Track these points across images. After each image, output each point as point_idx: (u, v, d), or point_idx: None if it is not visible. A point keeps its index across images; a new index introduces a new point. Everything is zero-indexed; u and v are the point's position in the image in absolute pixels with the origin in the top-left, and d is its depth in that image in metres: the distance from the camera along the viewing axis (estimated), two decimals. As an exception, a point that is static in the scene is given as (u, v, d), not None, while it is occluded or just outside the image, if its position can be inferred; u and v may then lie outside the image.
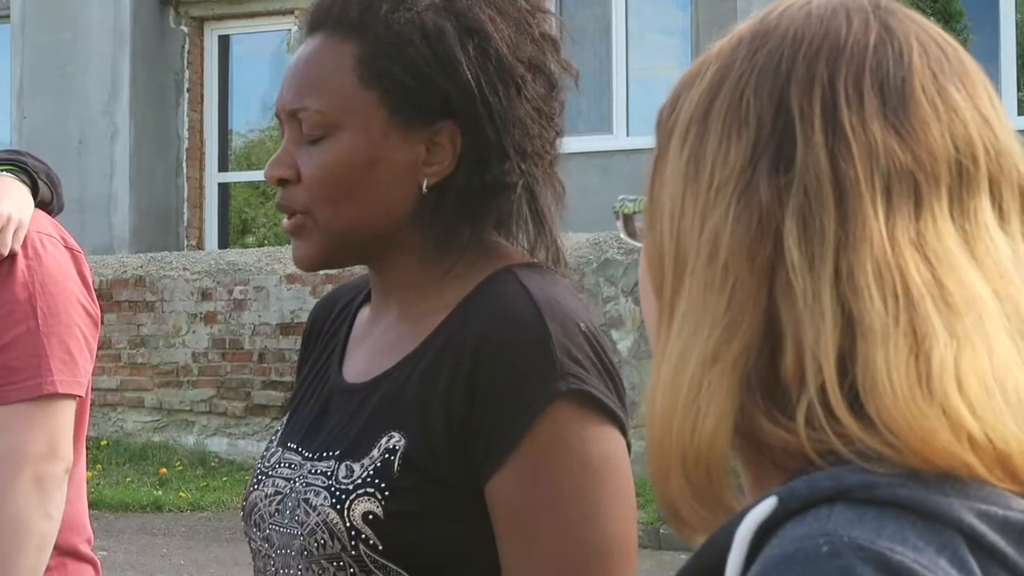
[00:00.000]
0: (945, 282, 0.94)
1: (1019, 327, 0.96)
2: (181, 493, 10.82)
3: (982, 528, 0.89)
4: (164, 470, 11.51)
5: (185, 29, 14.40)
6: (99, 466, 11.59)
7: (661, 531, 9.08)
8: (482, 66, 1.64)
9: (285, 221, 1.72)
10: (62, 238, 2.67)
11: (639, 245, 1.13)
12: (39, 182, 2.67)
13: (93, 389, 11.62)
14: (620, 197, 1.21)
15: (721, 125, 1.01)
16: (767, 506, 0.91)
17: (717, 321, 0.97)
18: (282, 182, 1.69)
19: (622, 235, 1.21)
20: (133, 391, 12.29)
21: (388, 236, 1.68)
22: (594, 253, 10.76)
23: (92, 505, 10.04)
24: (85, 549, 2.72)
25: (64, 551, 2.63)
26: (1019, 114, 11.85)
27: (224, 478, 11.27)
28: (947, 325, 0.93)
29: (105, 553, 8.82)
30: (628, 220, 1.20)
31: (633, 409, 11.05)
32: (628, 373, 10.64)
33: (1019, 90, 12.32)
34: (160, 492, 10.89)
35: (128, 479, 11.33)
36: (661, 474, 1.00)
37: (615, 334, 10.66)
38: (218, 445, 11.93)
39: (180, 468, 11.59)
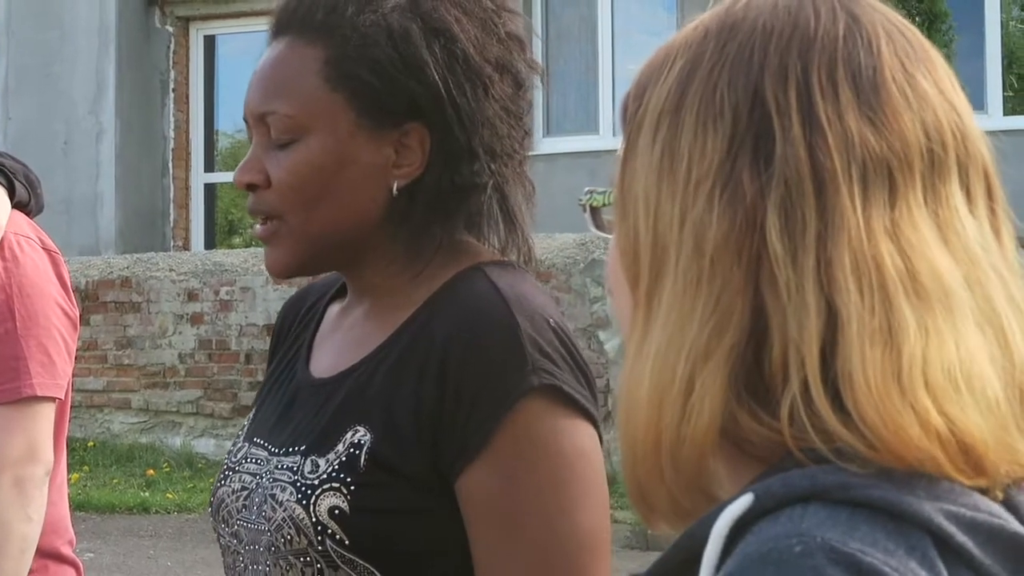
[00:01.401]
0: (918, 272, 0.95)
1: (987, 315, 0.97)
2: (168, 494, 10.80)
3: (951, 529, 0.90)
4: (151, 471, 11.49)
5: (171, 29, 14.38)
6: (86, 468, 11.57)
7: (649, 532, 9.08)
8: (449, 67, 1.64)
9: (257, 227, 1.71)
10: (40, 239, 2.66)
11: (608, 236, 1.13)
12: (16, 183, 2.66)
13: (79, 391, 11.53)
14: (586, 190, 1.21)
15: (695, 118, 1.01)
16: (743, 503, 0.92)
17: (707, 316, 0.97)
18: (251, 187, 1.69)
19: (590, 228, 1.21)
20: (119, 392, 12.27)
21: (359, 239, 1.68)
22: (581, 254, 10.76)
23: (79, 507, 9.99)
24: (67, 551, 2.72)
25: (46, 553, 2.63)
26: (1004, 114, 11.86)
27: (211, 479, 11.24)
28: (918, 317, 0.94)
29: (92, 555, 8.80)
30: (596, 212, 1.20)
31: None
32: (615, 373, 10.62)
33: (1004, 90, 12.34)
34: (147, 493, 10.87)
35: (115, 480, 11.31)
36: (647, 467, 1.00)
37: (602, 335, 10.66)
38: (205, 446, 11.91)
39: (167, 469, 11.58)
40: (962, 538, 0.90)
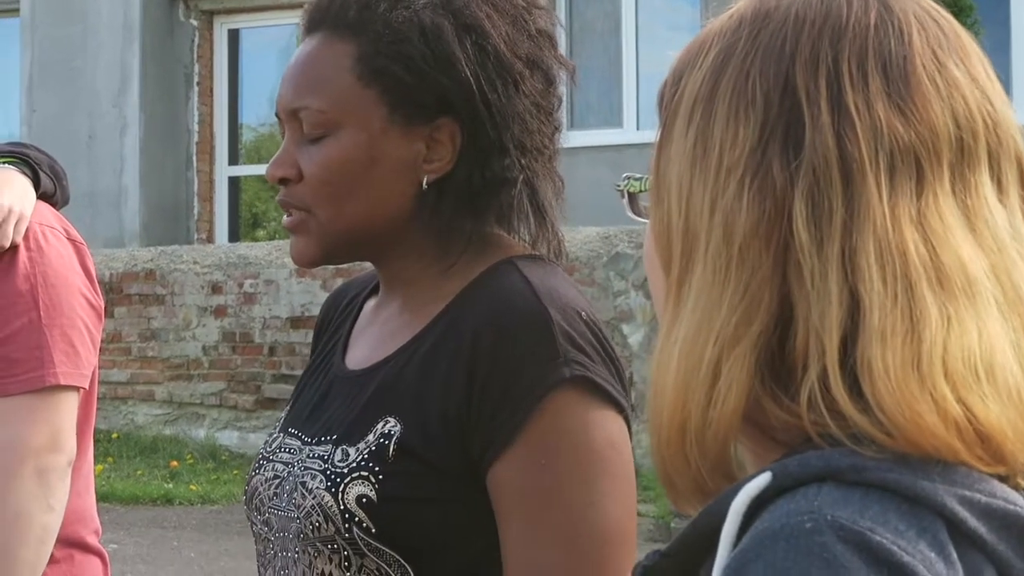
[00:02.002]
0: (943, 260, 0.96)
1: (1013, 304, 0.98)
2: (192, 486, 10.82)
3: (963, 514, 0.91)
4: (175, 463, 11.51)
5: (195, 23, 14.40)
6: (110, 459, 11.60)
7: (672, 525, 9.07)
8: (480, 63, 1.66)
9: (285, 218, 1.73)
10: (64, 230, 2.67)
11: (645, 221, 1.14)
12: (41, 174, 2.66)
13: (103, 382, 11.52)
14: (624, 176, 1.22)
15: (727, 106, 1.02)
16: (761, 481, 0.94)
17: (736, 303, 0.98)
18: (283, 181, 1.71)
19: (628, 213, 1.22)
20: (143, 384, 12.29)
21: (389, 233, 1.69)
22: (604, 247, 10.75)
23: (103, 498, 10.03)
24: (92, 541, 2.72)
25: (71, 543, 2.64)
26: (1030, 107, 11.83)
27: (235, 471, 11.27)
28: (940, 305, 0.95)
29: (116, 546, 8.83)
30: (633, 198, 1.21)
31: (645, 403, 11.01)
32: (639, 367, 10.61)
33: (1030, 83, 12.29)
34: (171, 485, 10.89)
35: (139, 472, 11.34)
36: (673, 450, 1.01)
37: (625, 328, 10.65)
38: (228, 438, 11.93)
39: (191, 461, 11.60)
40: (975, 523, 0.91)
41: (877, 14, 1.01)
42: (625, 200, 1.22)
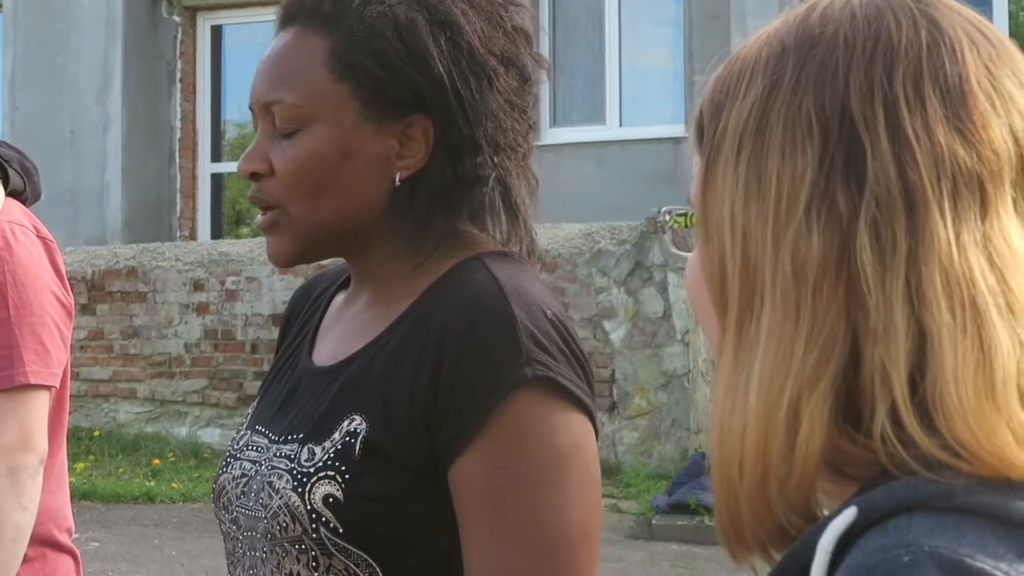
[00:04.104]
0: (1010, 285, 0.94)
1: None
2: (173, 484, 10.81)
3: None
4: (157, 461, 11.50)
5: (177, 19, 14.38)
6: (91, 457, 11.58)
7: (653, 522, 9.08)
8: (454, 59, 1.65)
9: (259, 217, 1.72)
10: (34, 227, 2.66)
11: (688, 255, 1.12)
12: (10, 171, 2.65)
13: (85, 380, 11.53)
14: (665, 210, 1.19)
15: (781, 138, 1.00)
16: (847, 516, 0.92)
17: (813, 342, 0.96)
18: (255, 176, 1.70)
19: (671, 249, 1.19)
20: (125, 382, 12.27)
21: (361, 229, 1.68)
22: (587, 244, 10.75)
23: (84, 496, 10.00)
24: (65, 540, 2.71)
25: (43, 542, 2.63)
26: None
27: (217, 469, 11.25)
28: (1010, 332, 0.93)
29: (97, 544, 8.82)
30: (677, 234, 1.18)
31: (626, 400, 11.05)
32: (620, 363, 10.62)
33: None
34: (152, 483, 10.88)
35: (120, 470, 11.32)
36: (754, 502, 0.99)
37: (607, 324, 10.65)
38: (211, 436, 11.92)
39: (172, 459, 11.59)
40: None
41: (928, 33, 0.99)
42: (667, 235, 1.19)
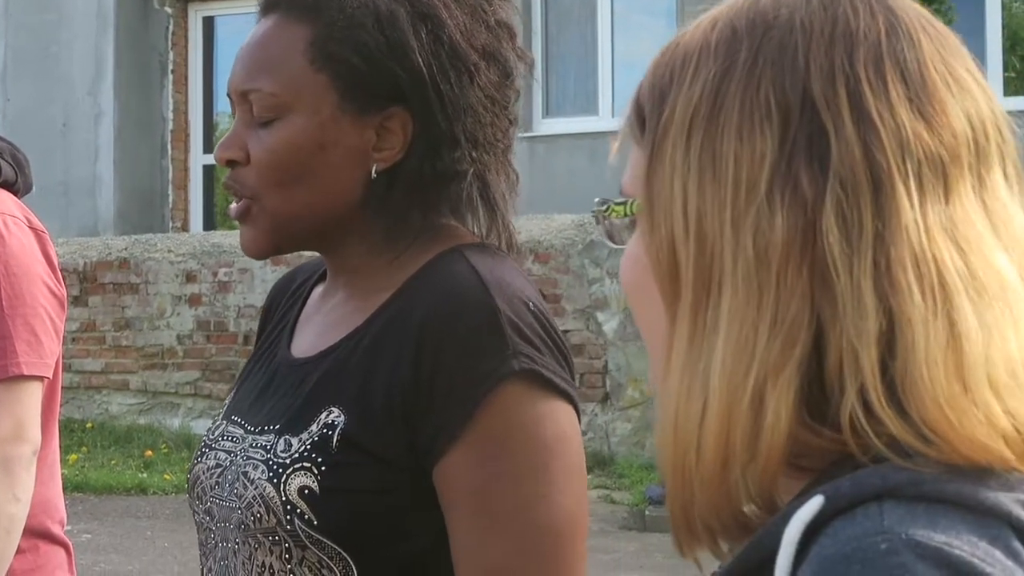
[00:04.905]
0: (976, 269, 0.94)
1: None
2: (166, 476, 10.81)
3: None
4: (149, 453, 11.49)
5: (169, 10, 14.35)
6: (84, 449, 11.58)
7: (646, 513, 9.08)
8: (434, 52, 1.64)
9: (232, 205, 1.71)
10: (26, 218, 2.65)
11: (622, 248, 1.10)
12: (1, 163, 2.65)
13: (77, 372, 11.52)
14: (599, 200, 1.16)
15: (738, 120, 0.98)
16: (814, 505, 0.91)
17: (777, 327, 0.95)
18: (231, 163, 1.69)
19: (607, 242, 1.18)
20: (118, 374, 12.27)
21: (337, 221, 1.67)
22: (579, 235, 10.75)
23: (77, 488, 9.99)
24: (58, 531, 2.71)
25: (36, 533, 2.63)
26: (1005, 95, 11.84)
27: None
28: (979, 316, 0.93)
29: (89, 536, 8.81)
30: (613, 225, 1.14)
31: (619, 391, 11.06)
32: (613, 354, 10.62)
33: (1005, 70, 12.32)
34: (145, 475, 10.88)
35: (113, 462, 11.32)
36: (714, 486, 0.97)
37: (600, 316, 10.65)
38: (203, 428, 11.89)
39: (165, 451, 11.58)
40: None
41: (884, 19, 0.99)
42: (603, 227, 1.17)
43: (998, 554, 0.86)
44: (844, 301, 0.93)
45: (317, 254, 1.80)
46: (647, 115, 1.04)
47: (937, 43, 1.00)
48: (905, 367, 0.92)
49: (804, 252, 0.95)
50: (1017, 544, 0.88)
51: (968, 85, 0.99)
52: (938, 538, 0.86)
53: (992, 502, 0.89)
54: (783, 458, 0.95)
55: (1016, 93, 12.33)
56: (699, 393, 0.97)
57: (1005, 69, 12.34)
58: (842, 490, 0.91)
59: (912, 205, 0.94)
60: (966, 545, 0.86)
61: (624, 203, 1.10)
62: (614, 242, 1.15)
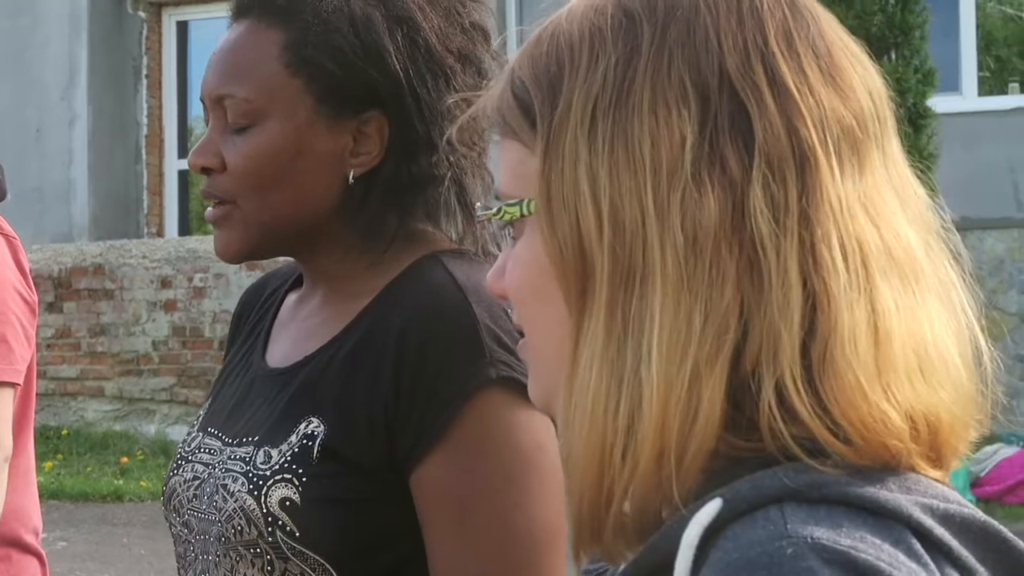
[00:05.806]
0: (891, 245, 0.94)
1: (944, 284, 0.97)
2: (142, 482, 10.78)
3: (929, 522, 0.89)
4: (125, 459, 11.47)
5: (143, 15, 14.32)
6: (59, 456, 11.55)
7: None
8: (411, 56, 1.62)
9: (208, 210, 1.69)
10: (-3, 225, 2.63)
11: (498, 252, 1.07)
12: (-26, 170, 2.63)
13: (53, 378, 11.47)
14: (484, 207, 1.12)
15: (650, 104, 0.95)
16: (712, 508, 0.89)
17: (710, 312, 0.92)
18: (206, 171, 1.67)
19: (491, 249, 1.13)
20: (93, 380, 12.23)
21: (314, 227, 1.66)
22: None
23: (52, 495, 9.95)
24: (31, 540, 2.69)
25: (9, 542, 2.61)
26: (979, 95, 11.88)
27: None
28: (896, 296, 0.93)
29: (65, 543, 8.78)
30: (508, 227, 1.08)
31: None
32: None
33: (979, 70, 12.36)
34: (121, 482, 10.86)
35: (89, 469, 11.29)
36: (648, 481, 0.94)
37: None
38: (179, 434, 11.87)
39: (141, 457, 11.56)
40: (940, 531, 0.90)
41: None
42: (496, 232, 1.13)
43: (902, 556, 0.86)
44: (770, 281, 0.92)
45: (290, 259, 1.77)
46: (538, 109, 1.00)
47: (830, 20, 1.00)
48: (825, 346, 0.91)
49: (734, 234, 0.93)
50: (918, 545, 0.88)
51: (864, 60, 1.00)
52: (844, 542, 0.85)
53: (893, 504, 0.89)
54: (711, 454, 0.93)
55: (990, 93, 12.37)
56: (628, 389, 0.94)
57: (979, 69, 12.37)
58: (741, 493, 0.89)
59: (834, 179, 0.94)
60: (871, 548, 0.85)
61: (518, 203, 1.03)
62: (499, 249, 1.11)
